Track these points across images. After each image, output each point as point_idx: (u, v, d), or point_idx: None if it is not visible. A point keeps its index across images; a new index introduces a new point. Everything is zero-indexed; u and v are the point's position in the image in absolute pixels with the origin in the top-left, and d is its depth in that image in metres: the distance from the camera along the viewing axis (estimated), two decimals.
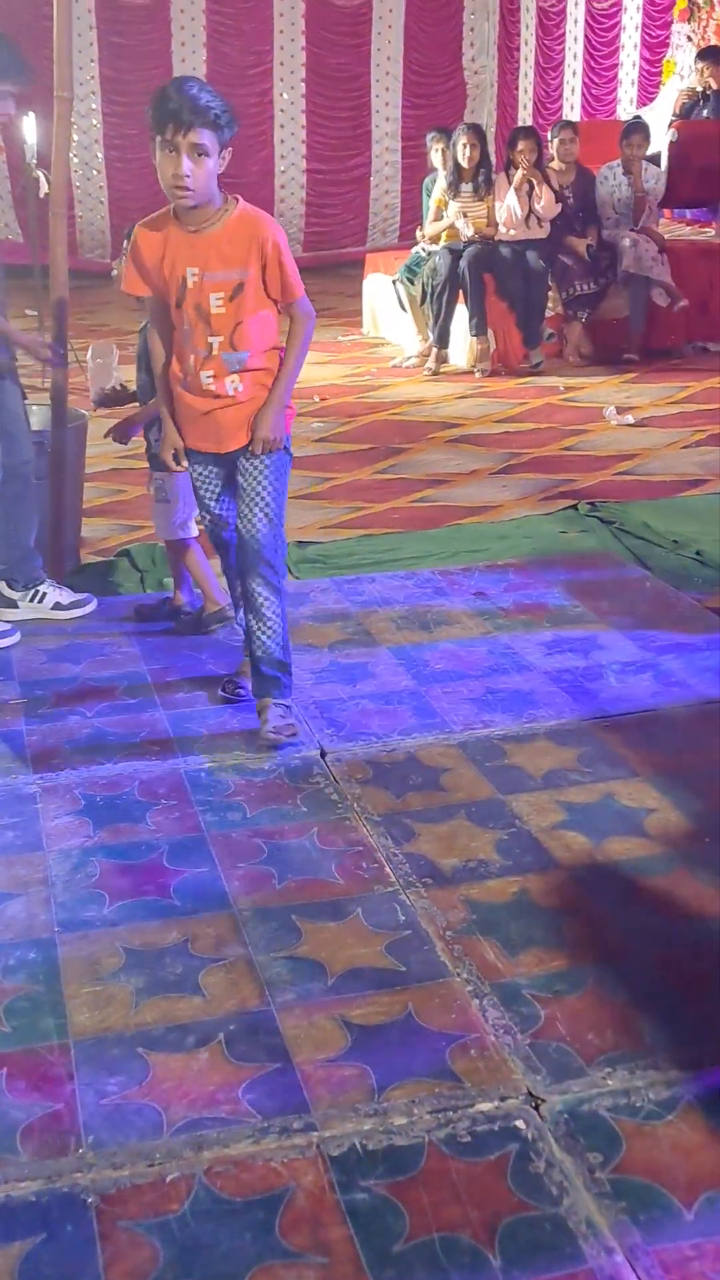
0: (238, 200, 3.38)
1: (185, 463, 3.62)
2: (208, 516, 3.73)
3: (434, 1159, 2.12)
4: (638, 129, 9.36)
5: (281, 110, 14.66)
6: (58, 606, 4.50)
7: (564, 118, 12.56)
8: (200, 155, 3.21)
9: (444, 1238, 1.97)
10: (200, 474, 3.65)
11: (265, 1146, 2.15)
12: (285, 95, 14.65)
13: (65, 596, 4.52)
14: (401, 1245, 1.96)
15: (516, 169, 8.86)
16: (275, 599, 3.53)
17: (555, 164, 9.22)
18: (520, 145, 8.88)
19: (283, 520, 3.55)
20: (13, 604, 4.50)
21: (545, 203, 8.88)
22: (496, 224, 8.97)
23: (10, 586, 4.50)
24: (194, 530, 4.32)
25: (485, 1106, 2.23)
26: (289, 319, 3.50)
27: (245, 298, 3.36)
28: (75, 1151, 2.15)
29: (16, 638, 4.28)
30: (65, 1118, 2.22)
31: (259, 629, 3.55)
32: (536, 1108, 2.23)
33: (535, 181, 8.86)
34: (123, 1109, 2.24)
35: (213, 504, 3.68)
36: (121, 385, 4.64)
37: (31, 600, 4.49)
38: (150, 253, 3.40)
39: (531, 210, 8.89)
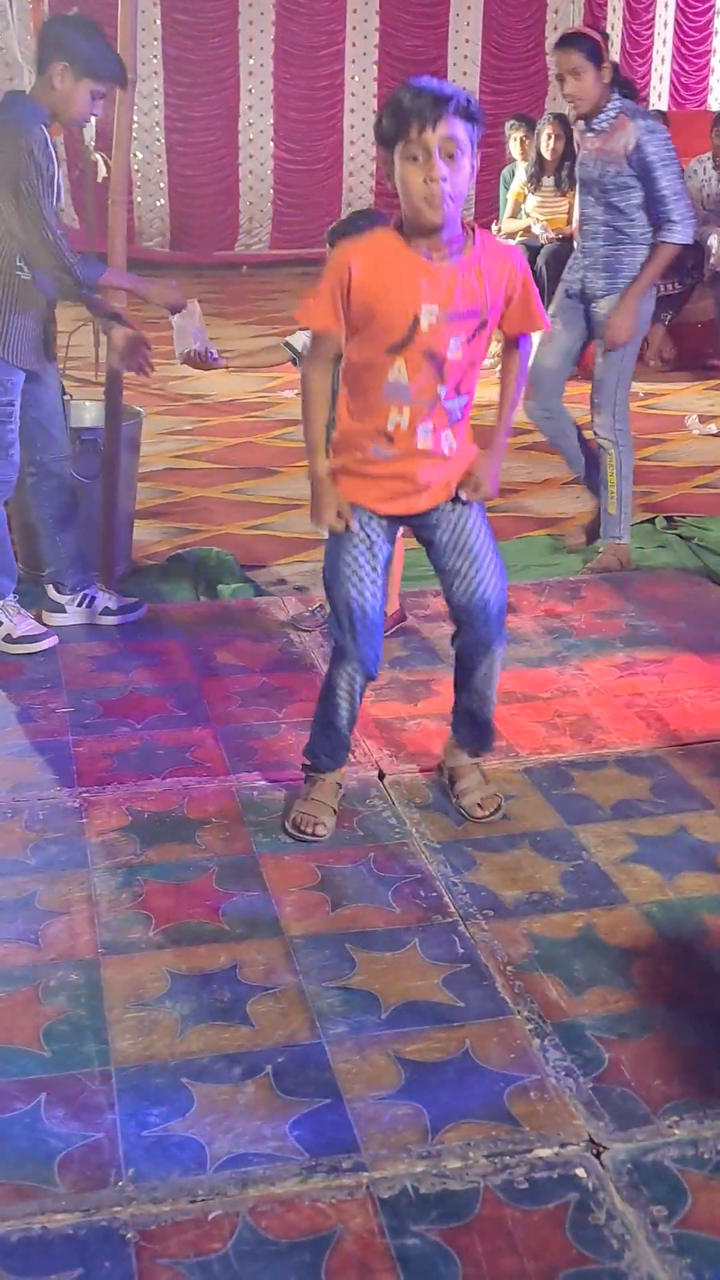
0: (475, 225, 2.96)
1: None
2: (357, 598, 3.09)
3: (489, 1205, 2.13)
4: None
5: (353, 94, 14.73)
6: (107, 612, 4.55)
7: (651, 107, 12.54)
8: (455, 154, 2.76)
9: None
10: (364, 540, 3.09)
11: (313, 1186, 2.17)
12: (357, 78, 14.71)
13: (115, 602, 4.57)
14: None
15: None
16: (500, 662, 3.29)
17: None
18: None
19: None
20: (60, 608, 4.55)
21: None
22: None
23: (58, 590, 4.55)
24: None
25: (544, 1152, 2.24)
26: (512, 354, 3.20)
27: (482, 340, 2.99)
28: (115, 1184, 2.17)
29: (54, 641, 4.33)
30: (105, 1148, 2.25)
31: (490, 691, 3.29)
32: (598, 1155, 2.23)
33: None
34: (165, 1141, 2.27)
35: (368, 580, 3.10)
36: (206, 350, 4.56)
37: (80, 605, 4.55)
38: (371, 280, 2.87)
39: None
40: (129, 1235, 2.08)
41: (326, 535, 3.16)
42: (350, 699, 3.23)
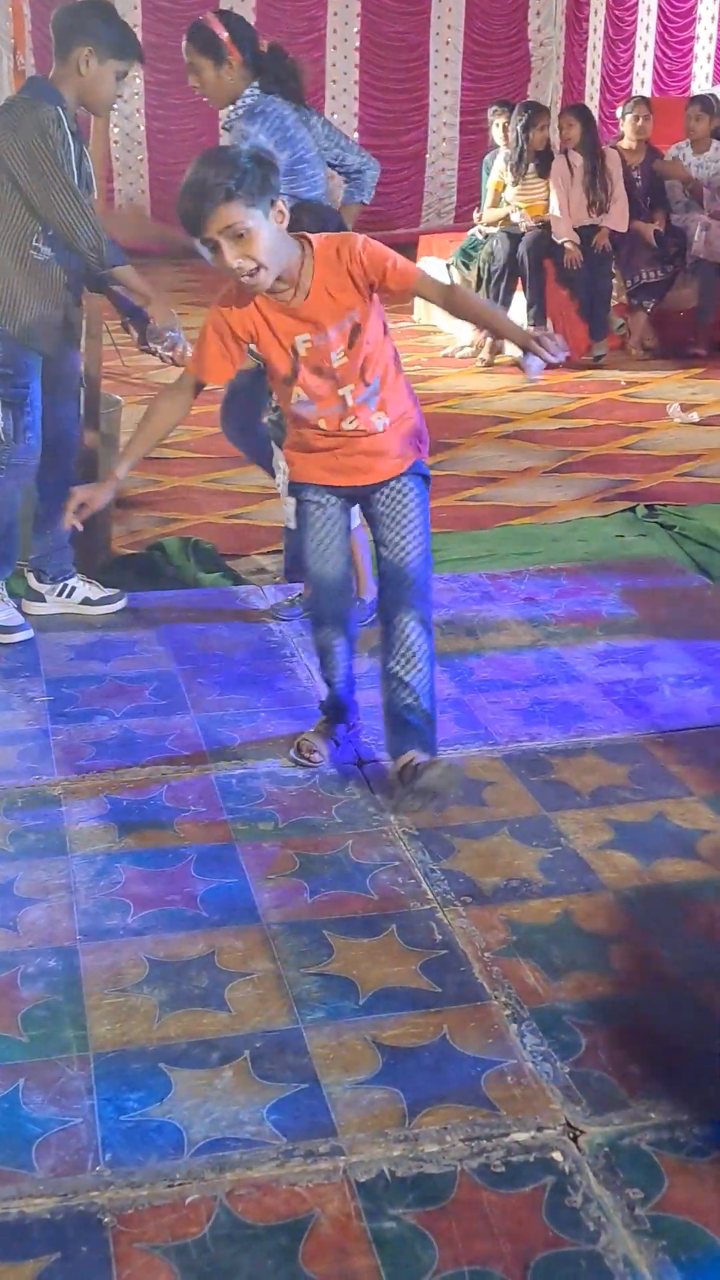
0: (308, 239, 3.11)
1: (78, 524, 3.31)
2: (319, 566, 3.39)
3: (466, 1189, 2.14)
4: (697, 100, 9.36)
5: (334, 81, 14.71)
6: (87, 601, 4.56)
7: (634, 93, 12.56)
8: (242, 235, 2.93)
9: (475, 1272, 1.99)
10: (318, 516, 3.37)
11: (290, 1170, 2.18)
12: (338, 65, 14.69)
13: (95, 591, 4.57)
14: (430, 1278, 1.98)
15: (567, 151, 8.88)
16: (427, 640, 3.28)
17: (625, 142, 9.21)
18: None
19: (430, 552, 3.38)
20: (40, 597, 4.54)
21: (615, 216, 8.87)
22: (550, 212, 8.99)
23: (38, 579, 4.55)
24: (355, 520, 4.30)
25: (521, 1136, 2.25)
26: (428, 296, 3.24)
27: (365, 335, 3.14)
28: (93, 1169, 2.18)
29: (29, 635, 4.33)
30: (83, 1133, 2.26)
31: (407, 673, 3.25)
32: (575, 1139, 2.25)
33: (604, 167, 8.85)
34: (143, 1126, 2.28)
35: (330, 550, 3.39)
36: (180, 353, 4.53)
37: (60, 594, 4.55)
38: (249, 331, 3.17)
39: (594, 202, 8.88)
40: (106, 1219, 2.09)
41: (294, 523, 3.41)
42: (333, 657, 3.49)
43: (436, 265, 10.18)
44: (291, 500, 3.70)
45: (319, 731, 3.59)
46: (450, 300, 3.25)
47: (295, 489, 3.43)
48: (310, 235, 3.13)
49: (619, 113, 9.34)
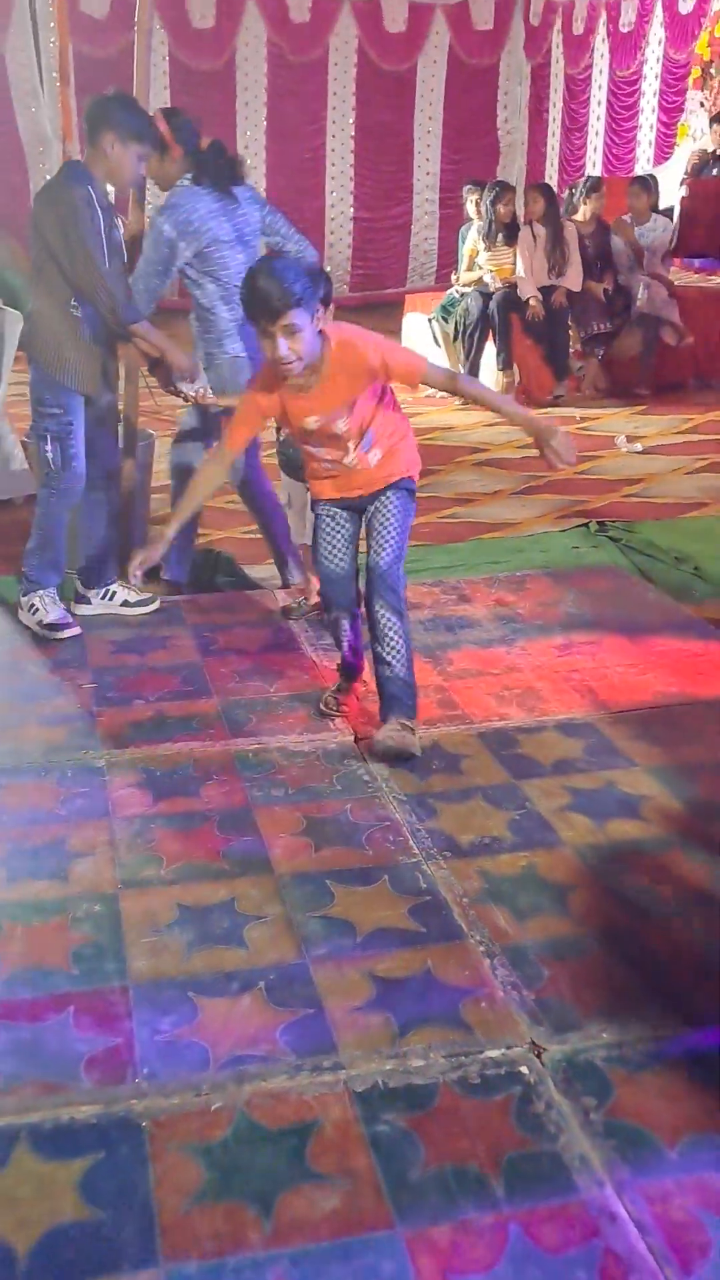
0: (328, 337, 3.20)
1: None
2: (326, 563, 3.54)
3: (447, 1098, 2.15)
4: (636, 180, 9.35)
5: (333, 164, 14.66)
6: (126, 604, 4.55)
7: (586, 174, 12.54)
8: (295, 333, 3.07)
9: (455, 1168, 2.00)
10: (328, 524, 3.53)
11: (298, 1082, 2.19)
12: (336, 150, 14.63)
13: (133, 595, 4.56)
14: (417, 1173, 1.99)
15: (533, 223, 8.87)
16: (399, 622, 3.39)
17: (580, 216, 9.19)
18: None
19: (404, 553, 3.45)
20: (86, 600, 4.55)
21: (571, 277, 8.87)
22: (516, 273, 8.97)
23: (85, 584, 4.55)
24: None
25: (493, 1053, 2.26)
26: (435, 386, 3.42)
27: (362, 405, 3.29)
28: (132, 1081, 2.19)
29: (76, 631, 4.32)
30: (123, 1051, 2.26)
31: (385, 651, 3.40)
32: (539, 1056, 2.26)
33: (561, 237, 8.85)
34: (174, 1045, 2.28)
35: (336, 550, 3.53)
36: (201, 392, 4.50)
37: (103, 598, 4.54)
38: (269, 412, 3.37)
39: (554, 265, 8.88)
40: (144, 1124, 2.09)
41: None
42: (341, 631, 3.64)
43: (420, 319, 10.17)
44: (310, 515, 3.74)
45: (338, 689, 3.75)
46: (455, 387, 3.41)
47: (314, 505, 3.57)
48: (330, 331, 3.20)
49: (575, 193, 9.29)
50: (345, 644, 3.68)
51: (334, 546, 3.53)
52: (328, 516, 3.52)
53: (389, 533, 3.43)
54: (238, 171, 4.43)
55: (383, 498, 3.45)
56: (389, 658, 3.41)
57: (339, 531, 3.52)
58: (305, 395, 3.24)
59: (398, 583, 3.42)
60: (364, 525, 3.51)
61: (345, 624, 3.63)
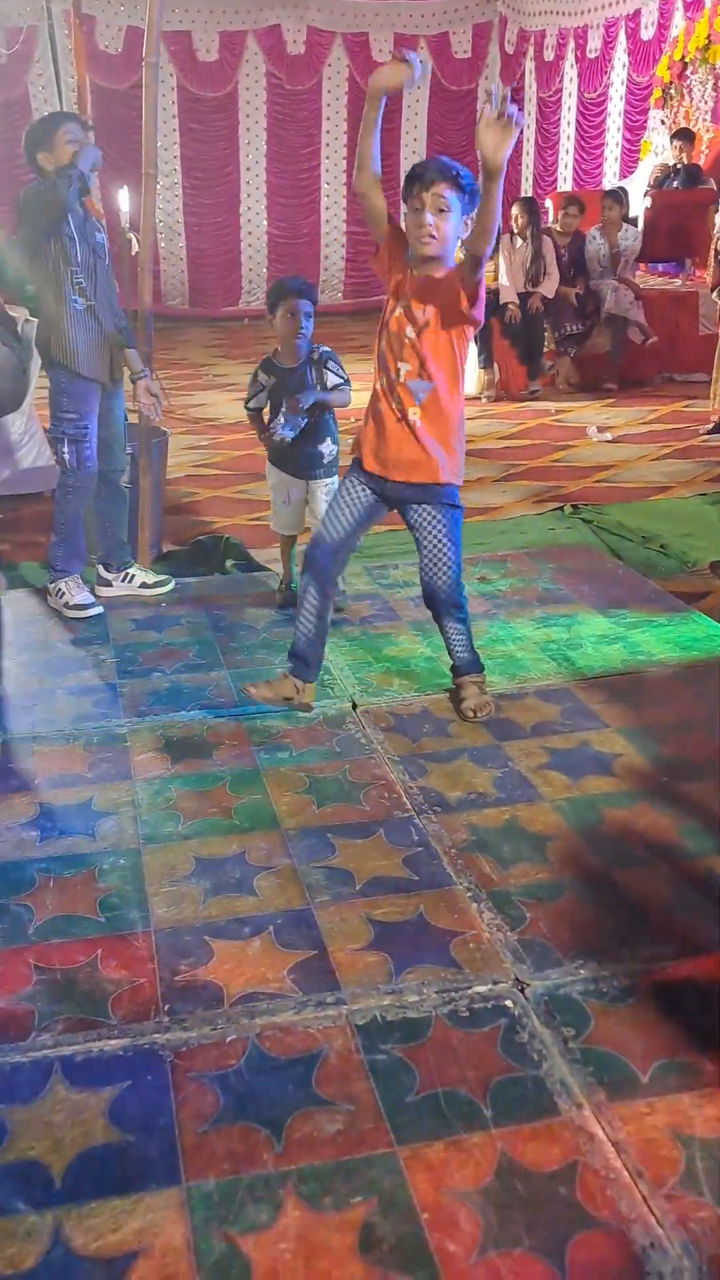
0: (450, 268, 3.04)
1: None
2: (324, 525, 3.28)
3: (439, 1029, 2.15)
4: (609, 195, 9.28)
5: (327, 183, 14.54)
6: (144, 586, 4.53)
7: (558, 189, 12.43)
8: (443, 211, 2.91)
9: (446, 1092, 2.00)
10: (346, 490, 3.24)
11: (305, 1016, 2.19)
12: (330, 170, 14.51)
13: (150, 578, 4.54)
14: (413, 1097, 1.99)
15: (515, 235, 8.80)
16: (465, 626, 3.40)
17: (558, 227, 9.14)
18: (517, 213, 8.85)
19: (461, 567, 3.32)
20: (107, 583, 4.52)
21: (547, 285, 8.83)
22: (499, 280, 8.90)
23: (106, 569, 4.53)
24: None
25: (481, 989, 2.26)
26: (472, 252, 2.98)
27: (439, 329, 3.04)
28: (154, 1017, 2.19)
29: (99, 610, 4.30)
30: (147, 990, 2.26)
31: (456, 648, 3.42)
32: (522, 990, 2.25)
33: (540, 251, 8.80)
34: (193, 984, 2.28)
35: (341, 522, 3.25)
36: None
37: (123, 580, 4.52)
38: (395, 255, 3.07)
39: (532, 277, 8.84)
40: (166, 1055, 2.09)
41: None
42: (308, 607, 3.36)
43: None
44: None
45: (276, 681, 3.41)
46: (475, 247, 2.95)
47: (345, 476, 3.29)
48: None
49: (559, 206, 9.22)
50: (303, 626, 3.35)
51: (339, 516, 3.25)
52: (350, 488, 3.24)
53: (443, 553, 3.23)
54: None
55: (427, 513, 3.19)
56: (461, 653, 3.43)
57: (353, 505, 3.24)
58: (416, 280, 3.03)
59: (459, 596, 3.34)
60: (413, 540, 3.28)
61: (313, 596, 3.31)
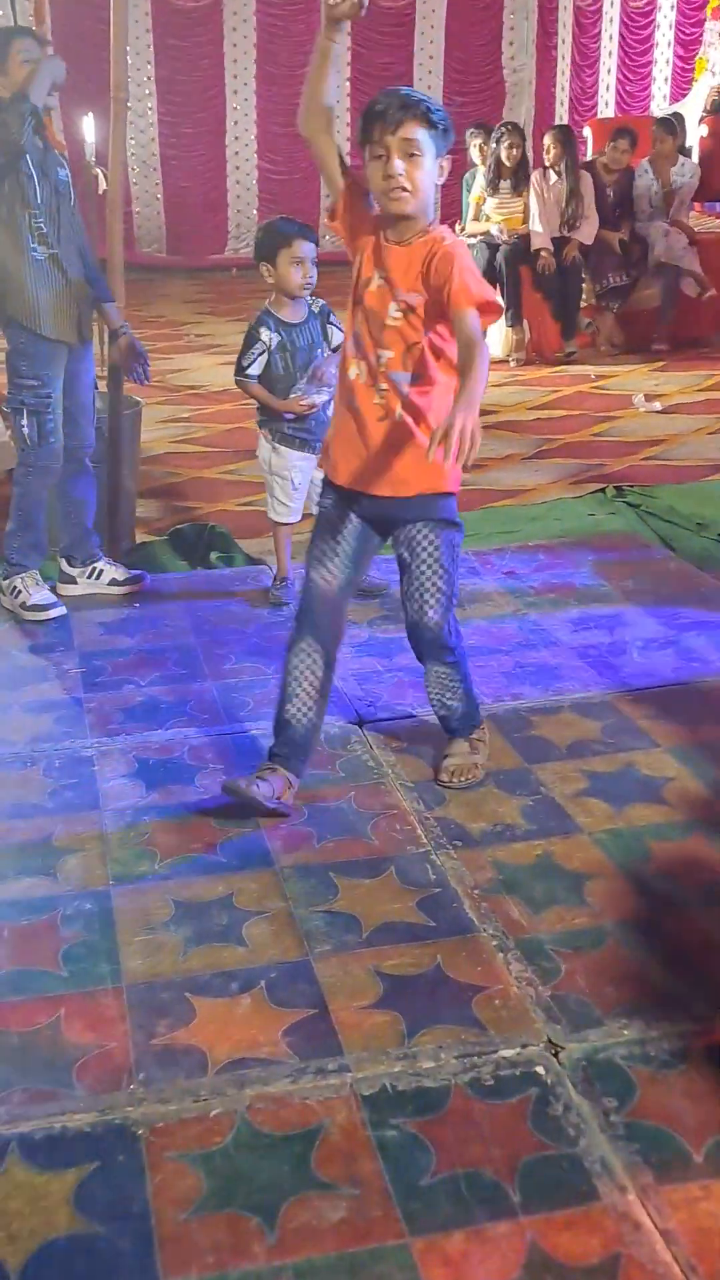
0: (431, 227, 2.84)
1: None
2: (315, 577, 3.02)
3: (459, 1100, 2.16)
4: (660, 123, 9.31)
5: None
6: (114, 583, 4.55)
7: (598, 114, 12.47)
8: (414, 156, 2.73)
9: (468, 1174, 2.01)
10: (330, 525, 3.01)
11: (302, 1086, 2.20)
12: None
13: (120, 573, 4.57)
14: (428, 1179, 1.99)
15: (548, 169, 8.82)
16: (457, 672, 3.17)
17: (605, 161, 9.16)
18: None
19: (455, 600, 3.12)
20: (72, 580, 4.55)
21: (585, 231, 8.84)
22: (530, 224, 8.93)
23: (69, 563, 4.55)
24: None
25: (508, 1053, 2.27)
26: (459, 330, 2.73)
27: (416, 317, 2.83)
28: (127, 1087, 2.20)
29: (61, 612, 4.33)
30: (118, 1055, 2.27)
31: (444, 698, 3.20)
32: (556, 1055, 2.26)
33: (577, 188, 8.81)
34: (171, 1049, 2.29)
35: (333, 562, 3.01)
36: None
37: (89, 577, 4.55)
38: (356, 213, 2.89)
39: (567, 220, 8.84)
40: (140, 1132, 2.10)
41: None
42: (298, 677, 3.10)
43: None
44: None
45: (258, 775, 3.06)
46: (467, 350, 2.67)
47: (322, 496, 3.11)
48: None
49: (609, 140, 9.24)
50: (298, 706, 3.06)
51: (328, 554, 3.01)
52: (330, 516, 3.02)
53: (436, 582, 3.02)
54: None
55: (421, 534, 2.99)
56: (451, 703, 3.22)
57: (342, 537, 3.01)
58: (390, 248, 2.83)
59: (451, 638, 3.11)
60: (398, 566, 3.08)
61: (312, 664, 3.05)
